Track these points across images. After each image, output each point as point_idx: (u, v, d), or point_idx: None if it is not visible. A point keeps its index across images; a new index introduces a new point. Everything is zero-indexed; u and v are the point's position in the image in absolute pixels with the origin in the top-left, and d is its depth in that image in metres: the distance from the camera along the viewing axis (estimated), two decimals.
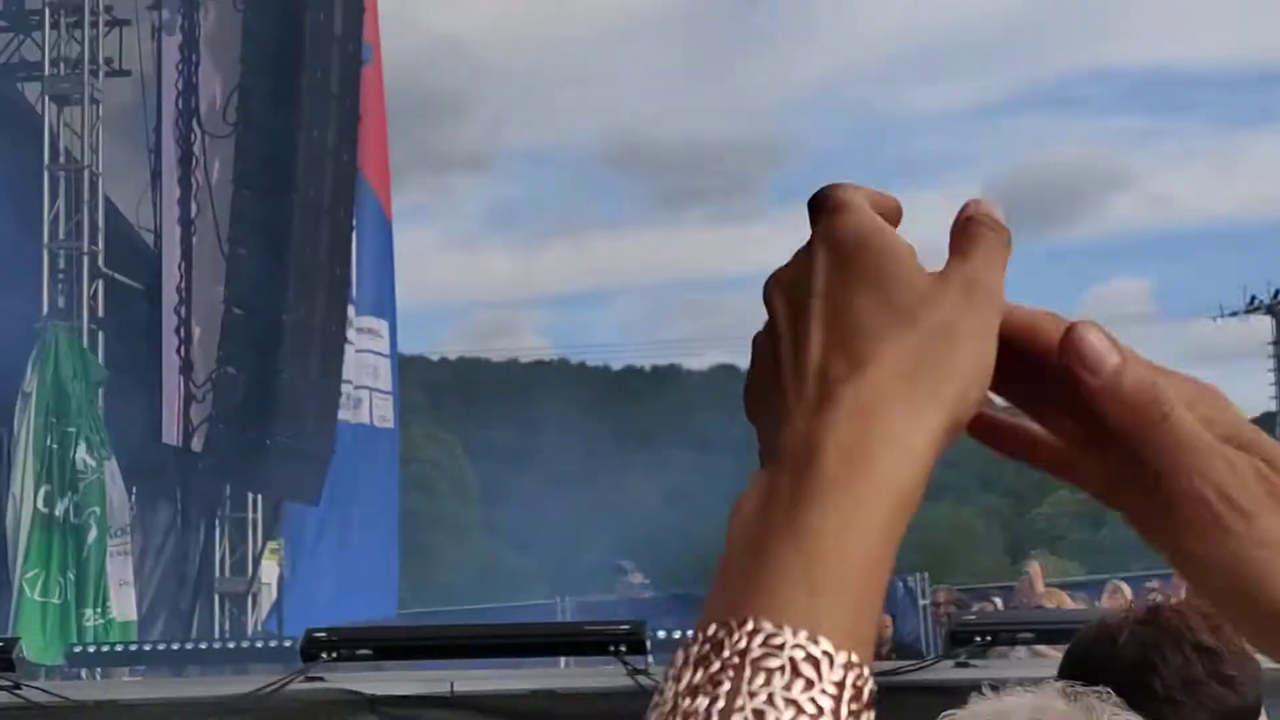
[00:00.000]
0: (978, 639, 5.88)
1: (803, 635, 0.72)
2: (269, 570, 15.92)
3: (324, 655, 6.30)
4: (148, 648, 9.57)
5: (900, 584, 18.55)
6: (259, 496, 15.62)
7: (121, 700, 6.43)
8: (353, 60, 14.69)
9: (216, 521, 15.43)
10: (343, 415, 15.13)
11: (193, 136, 14.56)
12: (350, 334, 15.43)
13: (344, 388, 15.11)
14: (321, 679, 6.27)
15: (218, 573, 15.31)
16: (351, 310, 15.49)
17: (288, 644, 7.75)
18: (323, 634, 6.42)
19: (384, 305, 17.14)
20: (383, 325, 16.90)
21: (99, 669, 9.81)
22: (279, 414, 13.53)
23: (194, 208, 14.51)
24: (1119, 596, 11.09)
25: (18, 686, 6.26)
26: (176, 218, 14.59)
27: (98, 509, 13.15)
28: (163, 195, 14.75)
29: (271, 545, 15.84)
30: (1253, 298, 36.46)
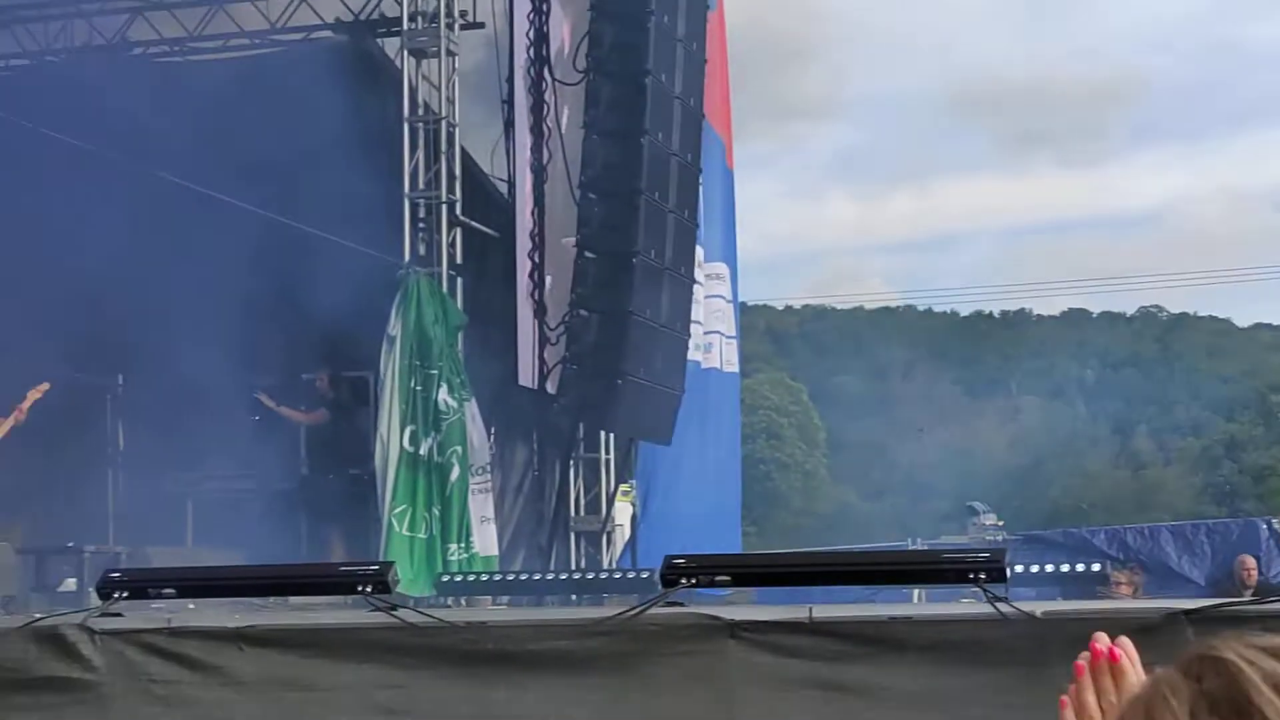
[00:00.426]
0: None
1: None
2: (622, 511, 16.20)
3: (683, 581, 6.40)
4: (511, 577, 9.88)
5: (1264, 526, 18.03)
6: (612, 438, 15.90)
7: (490, 622, 6.63)
8: (698, 5, 14.76)
9: (571, 462, 15.78)
10: (693, 357, 15.28)
11: (544, 85, 14.82)
12: (699, 277, 15.56)
13: (694, 329, 15.26)
14: (681, 604, 6.37)
15: (573, 512, 15.65)
16: (700, 254, 15.62)
17: (645, 575, 7.91)
18: (682, 560, 6.52)
19: (728, 252, 17.25)
20: (726, 271, 17.02)
21: (464, 598, 10.16)
22: (630, 355, 13.70)
23: (545, 154, 14.79)
24: None
25: (394, 608, 6.53)
26: (529, 165, 14.90)
27: (459, 448, 13.51)
28: (515, 144, 15.04)
29: (624, 487, 16.11)
30: None
